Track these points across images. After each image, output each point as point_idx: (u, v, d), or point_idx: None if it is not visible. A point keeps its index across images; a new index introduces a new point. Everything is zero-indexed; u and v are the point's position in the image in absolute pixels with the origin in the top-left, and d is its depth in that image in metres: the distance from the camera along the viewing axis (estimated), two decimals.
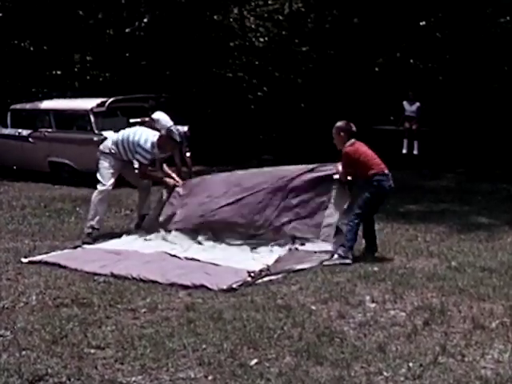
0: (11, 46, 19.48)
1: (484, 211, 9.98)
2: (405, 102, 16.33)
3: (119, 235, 8.15)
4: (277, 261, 6.72)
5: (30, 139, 13.73)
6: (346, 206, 7.26)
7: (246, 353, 4.58)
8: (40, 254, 7.27)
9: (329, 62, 18.61)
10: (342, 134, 7.14)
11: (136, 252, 7.27)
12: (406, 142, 16.22)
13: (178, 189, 8.18)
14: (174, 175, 8.49)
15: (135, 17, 20.06)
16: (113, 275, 6.45)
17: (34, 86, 18.98)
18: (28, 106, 14.61)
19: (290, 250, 7.07)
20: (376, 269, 6.62)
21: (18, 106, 14.76)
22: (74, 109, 13.70)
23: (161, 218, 8.09)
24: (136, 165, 8.34)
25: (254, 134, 18.70)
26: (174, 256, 7.08)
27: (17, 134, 13.98)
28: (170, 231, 7.88)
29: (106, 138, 9.00)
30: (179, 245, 7.57)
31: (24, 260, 7.09)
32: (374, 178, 6.96)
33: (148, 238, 7.90)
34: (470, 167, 14.45)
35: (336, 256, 6.90)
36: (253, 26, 21.03)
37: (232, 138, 17.43)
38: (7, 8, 19.00)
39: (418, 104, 16.21)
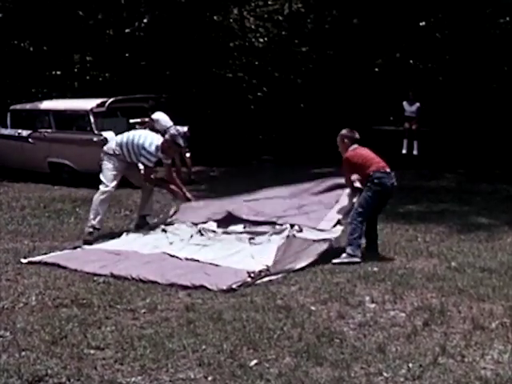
0: (11, 46, 19.45)
1: (484, 211, 9.98)
2: (405, 103, 16.32)
3: (119, 235, 8.15)
4: (276, 261, 6.72)
5: (30, 140, 13.71)
6: (349, 207, 7.30)
7: (246, 353, 4.58)
8: (39, 255, 7.28)
9: (328, 62, 18.60)
10: (345, 140, 7.30)
11: (136, 252, 7.27)
12: (405, 142, 16.21)
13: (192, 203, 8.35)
14: (185, 190, 8.45)
15: (135, 17, 20.04)
16: (112, 276, 6.46)
17: (33, 86, 18.93)
18: (28, 106, 14.61)
19: (287, 237, 7.04)
20: (376, 269, 6.63)
21: (18, 107, 14.75)
22: (74, 109, 13.69)
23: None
24: (141, 167, 8.37)
25: (253, 134, 18.69)
26: (174, 256, 7.08)
27: (16, 134, 13.96)
28: (171, 224, 7.95)
29: (105, 139, 9.00)
30: (179, 236, 7.59)
31: (23, 260, 7.09)
32: (373, 175, 7.02)
33: (147, 232, 7.97)
34: (470, 167, 14.44)
35: (344, 255, 6.92)
36: (253, 27, 21.02)
37: (232, 138, 17.41)
38: (7, 8, 18.97)
39: (417, 104, 16.20)
